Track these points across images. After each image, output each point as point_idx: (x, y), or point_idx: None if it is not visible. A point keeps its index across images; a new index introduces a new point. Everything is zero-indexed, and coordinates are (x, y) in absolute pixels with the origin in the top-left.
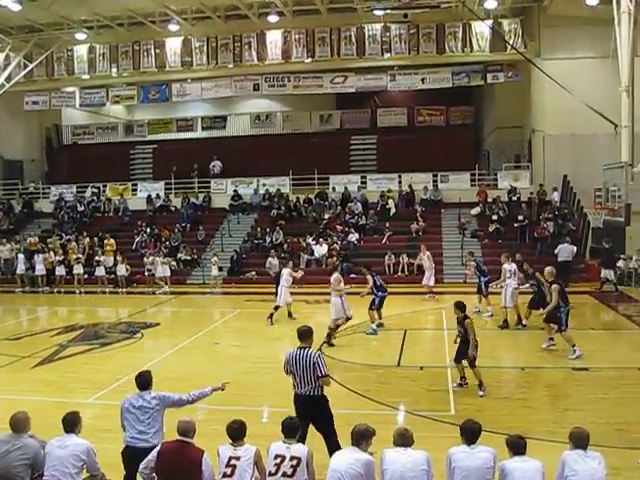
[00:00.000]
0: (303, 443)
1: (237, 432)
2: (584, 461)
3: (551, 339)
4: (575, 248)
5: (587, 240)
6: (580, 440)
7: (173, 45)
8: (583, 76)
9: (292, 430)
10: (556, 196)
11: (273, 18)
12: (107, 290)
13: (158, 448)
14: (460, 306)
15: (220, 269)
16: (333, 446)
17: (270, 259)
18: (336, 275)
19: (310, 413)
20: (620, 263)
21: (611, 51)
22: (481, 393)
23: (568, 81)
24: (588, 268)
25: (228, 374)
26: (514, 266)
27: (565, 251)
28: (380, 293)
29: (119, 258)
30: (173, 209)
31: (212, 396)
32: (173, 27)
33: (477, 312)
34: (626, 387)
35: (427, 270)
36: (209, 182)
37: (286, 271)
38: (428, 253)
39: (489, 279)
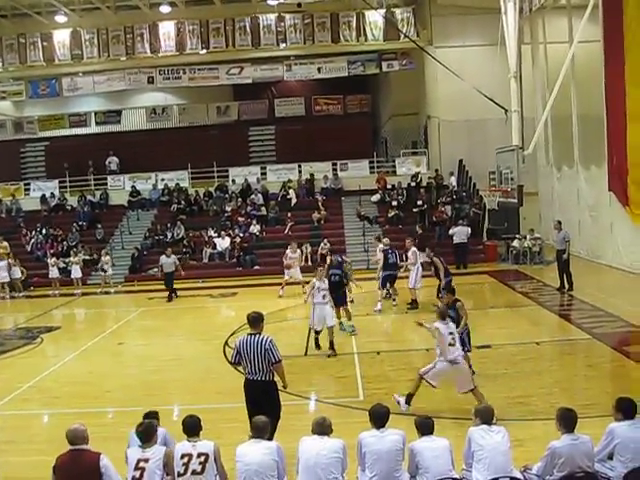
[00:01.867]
0: (273, 432)
1: (144, 434)
2: (489, 436)
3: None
4: (469, 229)
5: (484, 222)
6: (485, 415)
7: (61, 37)
8: (474, 63)
9: (193, 427)
10: (453, 180)
11: (165, 9)
12: (3, 295)
13: (53, 464)
14: (451, 290)
15: (113, 265)
16: (273, 432)
17: (162, 257)
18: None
19: (261, 398)
20: (515, 243)
21: (499, 39)
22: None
23: (460, 68)
24: (486, 249)
25: (134, 374)
26: (416, 249)
27: (460, 233)
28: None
29: (12, 261)
30: (69, 208)
31: (120, 398)
32: (60, 18)
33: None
34: (525, 362)
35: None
36: (106, 179)
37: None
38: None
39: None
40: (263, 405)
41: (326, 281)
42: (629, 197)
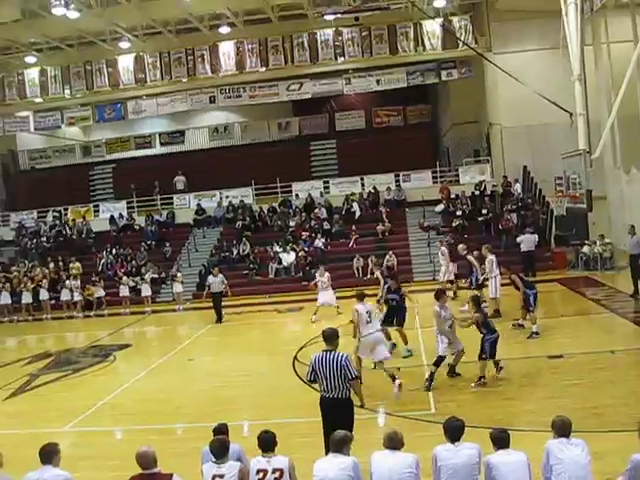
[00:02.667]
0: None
1: (219, 449)
2: (568, 449)
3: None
4: (537, 237)
5: (551, 229)
6: (563, 428)
7: (125, 62)
8: (535, 68)
9: (268, 443)
10: (518, 187)
11: (224, 29)
12: (80, 314)
13: None
14: (474, 300)
15: (182, 283)
16: None
17: (210, 277)
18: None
19: (335, 416)
20: (585, 249)
21: (561, 41)
22: (473, 385)
23: (521, 73)
24: (554, 256)
25: (204, 390)
26: (495, 257)
27: (528, 241)
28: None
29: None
30: (137, 227)
31: (191, 414)
32: (124, 44)
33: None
34: (599, 371)
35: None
36: (172, 198)
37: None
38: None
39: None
40: (337, 422)
41: (367, 305)
42: None
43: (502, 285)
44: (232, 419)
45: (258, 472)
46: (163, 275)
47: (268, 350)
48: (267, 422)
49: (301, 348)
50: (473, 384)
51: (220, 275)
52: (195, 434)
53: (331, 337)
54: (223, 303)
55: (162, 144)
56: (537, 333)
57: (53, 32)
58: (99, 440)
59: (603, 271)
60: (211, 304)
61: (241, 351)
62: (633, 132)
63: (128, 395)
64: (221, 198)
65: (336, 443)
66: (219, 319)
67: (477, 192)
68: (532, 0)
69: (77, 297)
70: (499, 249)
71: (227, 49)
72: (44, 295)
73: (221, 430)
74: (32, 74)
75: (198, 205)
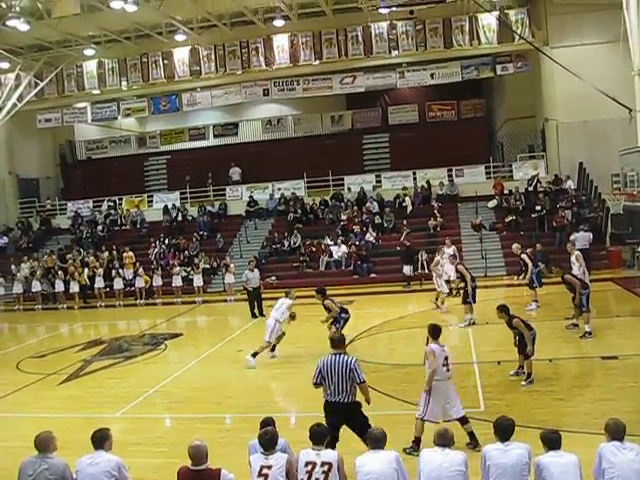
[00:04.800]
0: (334, 448)
1: (268, 442)
2: (621, 453)
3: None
4: (591, 235)
5: (607, 227)
6: (616, 431)
7: (181, 55)
8: (593, 62)
9: (320, 436)
10: (571, 184)
11: (279, 22)
12: (137, 302)
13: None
14: (502, 309)
15: (233, 274)
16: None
17: (247, 272)
18: None
19: (344, 420)
20: None
21: (621, 35)
22: (523, 384)
23: (578, 68)
24: (609, 255)
25: (253, 381)
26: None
27: (582, 239)
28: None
29: (140, 271)
30: (190, 218)
31: (239, 404)
32: (180, 37)
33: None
34: None
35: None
36: (224, 190)
37: (286, 302)
38: (448, 249)
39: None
40: (349, 423)
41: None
42: None
43: (556, 283)
44: (280, 410)
45: (307, 464)
46: (215, 265)
47: (315, 343)
48: (315, 415)
49: (350, 342)
50: (523, 382)
51: (256, 270)
52: (242, 424)
53: (340, 342)
54: (274, 295)
55: (215, 136)
56: (590, 333)
57: (111, 25)
58: (149, 427)
59: None
60: (262, 295)
61: (290, 343)
62: None
63: (178, 384)
64: (273, 190)
65: (376, 440)
66: (260, 313)
67: (531, 188)
68: None
69: (138, 283)
70: (553, 246)
71: (281, 42)
72: (99, 283)
73: (268, 423)
74: (90, 66)
75: (250, 197)
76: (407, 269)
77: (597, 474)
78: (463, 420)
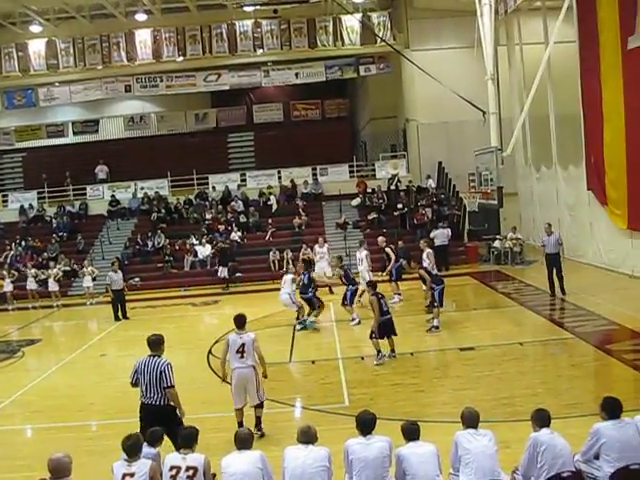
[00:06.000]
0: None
1: (131, 448)
2: (475, 439)
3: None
4: (450, 231)
5: (465, 224)
6: (470, 419)
7: (37, 47)
8: (451, 65)
9: (187, 439)
10: (431, 183)
11: (141, 17)
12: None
13: None
14: (370, 284)
15: (94, 279)
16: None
17: (111, 273)
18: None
19: (158, 423)
20: (496, 243)
21: (475, 41)
22: (375, 362)
23: (437, 71)
24: (467, 250)
25: (117, 386)
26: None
27: (441, 236)
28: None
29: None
30: (48, 219)
31: (104, 410)
32: (35, 28)
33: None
34: (509, 362)
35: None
36: (84, 189)
37: (289, 277)
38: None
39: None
40: (164, 429)
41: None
42: (607, 196)
43: (417, 279)
44: None
45: (172, 469)
46: (76, 267)
47: (183, 345)
48: (189, 418)
49: (216, 342)
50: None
51: (119, 271)
52: (107, 431)
53: (155, 343)
54: (137, 297)
55: (75, 133)
56: (437, 327)
57: None
58: (7, 440)
59: (513, 265)
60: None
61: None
62: (543, 131)
63: (38, 392)
64: (136, 189)
65: (241, 441)
66: (124, 315)
67: (392, 187)
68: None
69: None
70: (414, 242)
71: (144, 37)
72: None
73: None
74: None
75: (112, 196)
76: (222, 271)
77: (454, 461)
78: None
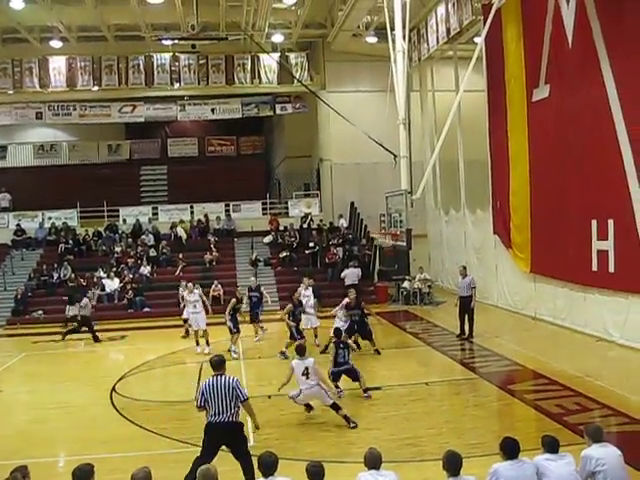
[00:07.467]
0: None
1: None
2: None
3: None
4: (360, 271)
5: (375, 263)
6: (372, 460)
7: None
8: (366, 108)
9: (269, 467)
10: (343, 222)
11: (56, 43)
12: None
13: None
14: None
15: None
16: (249, 468)
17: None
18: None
19: (226, 440)
20: (405, 284)
21: (388, 86)
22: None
23: (352, 113)
24: (377, 290)
25: (13, 424)
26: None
27: (352, 275)
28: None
29: None
30: None
31: None
32: None
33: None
34: (415, 402)
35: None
36: None
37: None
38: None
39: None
40: (230, 445)
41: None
42: (512, 240)
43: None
44: (43, 455)
45: None
46: None
47: (86, 381)
48: (82, 457)
49: (121, 378)
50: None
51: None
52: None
53: (218, 364)
54: (40, 330)
55: None
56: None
57: None
58: None
59: (422, 305)
60: (26, 330)
61: (57, 382)
62: (453, 175)
63: None
64: (44, 219)
65: (269, 466)
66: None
67: (305, 225)
68: (364, 44)
69: None
70: (325, 281)
71: (58, 64)
72: None
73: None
74: None
75: (18, 225)
76: (71, 309)
77: None
78: None
